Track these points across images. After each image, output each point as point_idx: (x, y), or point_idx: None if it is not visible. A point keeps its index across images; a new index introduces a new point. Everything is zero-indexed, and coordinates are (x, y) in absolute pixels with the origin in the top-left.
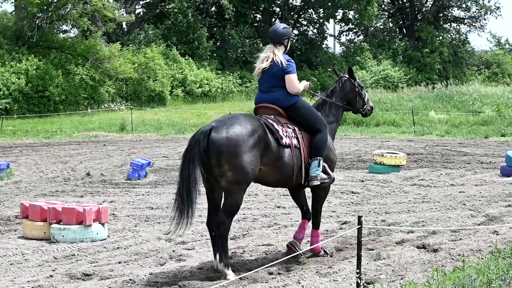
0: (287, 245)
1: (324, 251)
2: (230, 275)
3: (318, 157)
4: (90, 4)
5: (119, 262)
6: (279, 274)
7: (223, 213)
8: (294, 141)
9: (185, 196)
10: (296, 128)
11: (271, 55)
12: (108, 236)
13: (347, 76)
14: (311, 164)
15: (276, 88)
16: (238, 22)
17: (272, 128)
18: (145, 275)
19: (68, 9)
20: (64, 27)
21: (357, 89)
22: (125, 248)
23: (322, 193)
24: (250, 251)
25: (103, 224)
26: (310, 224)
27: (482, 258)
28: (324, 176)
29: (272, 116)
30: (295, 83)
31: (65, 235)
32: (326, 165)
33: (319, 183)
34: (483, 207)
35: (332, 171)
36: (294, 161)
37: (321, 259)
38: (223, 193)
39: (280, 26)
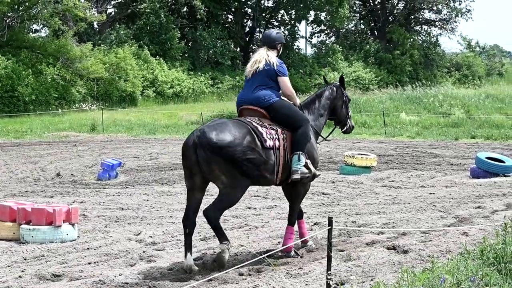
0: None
1: (295, 252)
2: (227, 251)
3: (299, 152)
4: (61, 4)
5: (89, 263)
6: (250, 275)
7: (213, 206)
8: (277, 142)
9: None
10: (279, 129)
11: (264, 56)
12: (78, 236)
13: (338, 84)
14: (292, 158)
15: (262, 87)
16: (210, 23)
17: (257, 131)
18: (115, 276)
19: (39, 9)
20: (35, 27)
21: (344, 99)
22: (95, 249)
23: (302, 190)
24: None
25: (73, 225)
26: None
27: (452, 259)
28: (305, 170)
29: (256, 118)
30: (288, 84)
31: (35, 236)
32: (308, 161)
33: (299, 177)
34: (453, 209)
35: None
36: (277, 161)
37: (291, 260)
38: (203, 194)
39: (273, 31)
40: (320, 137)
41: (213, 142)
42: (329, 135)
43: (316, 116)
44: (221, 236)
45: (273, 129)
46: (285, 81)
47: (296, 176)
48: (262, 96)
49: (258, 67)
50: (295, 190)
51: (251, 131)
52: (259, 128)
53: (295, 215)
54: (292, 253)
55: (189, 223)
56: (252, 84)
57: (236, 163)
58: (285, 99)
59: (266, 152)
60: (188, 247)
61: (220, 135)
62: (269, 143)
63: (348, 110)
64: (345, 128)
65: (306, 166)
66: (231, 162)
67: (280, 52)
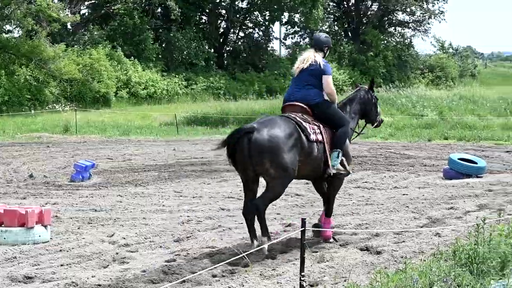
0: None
1: (334, 238)
2: (265, 244)
3: (338, 149)
4: (34, 4)
5: (62, 265)
6: (223, 276)
7: (262, 198)
8: (319, 137)
9: None
10: (320, 125)
11: (312, 56)
12: (50, 238)
13: (367, 88)
14: (331, 154)
15: (310, 86)
16: (184, 24)
17: (302, 127)
18: (87, 278)
19: (12, 9)
20: (8, 27)
21: (373, 101)
22: (67, 251)
23: (338, 184)
24: (194, 253)
25: (45, 227)
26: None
27: (425, 260)
28: (341, 167)
29: (300, 114)
30: (331, 83)
31: (7, 237)
32: (344, 159)
33: (335, 171)
34: (426, 210)
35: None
36: (319, 155)
37: (265, 261)
38: (258, 185)
39: (322, 35)
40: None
41: (263, 138)
42: (361, 130)
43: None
44: (264, 229)
45: (315, 125)
46: (328, 80)
47: (332, 171)
48: (310, 95)
49: (304, 66)
50: (332, 185)
51: (297, 126)
52: (304, 123)
53: (331, 207)
54: (331, 240)
55: (249, 214)
56: (299, 82)
57: (284, 157)
58: (327, 98)
59: (310, 146)
60: (252, 234)
61: (270, 131)
62: (313, 137)
63: (377, 109)
64: (375, 124)
65: (341, 163)
66: (279, 157)
67: (326, 55)
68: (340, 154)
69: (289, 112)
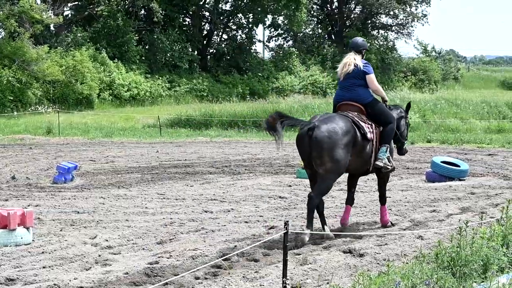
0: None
1: (391, 223)
2: (306, 235)
3: (386, 144)
4: (17, 6)
5: (44, 267)
6: (206, 279)
7: (316, 192)
8: (373, 136)
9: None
10: (373, 124)
11: (352, 60)
12: (32, 240)
13: (404, 109)
14: (380, 149)
15: (357, 86)
16: (167, 26)
17: (358, 125)
18: (70, 280)
19: None
20: None
21: (407, 121)
22: (50, 253)
23: (386, 177)
24: (177, 255)
25: (27, 228)
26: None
27: (407, 263)
28: (388, 162)
29: (356, 113)
30: (374, 81)
31: None
32: (390, 156)
33: (382, 165)
34: (408, 212)
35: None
36: (371, 152)
37: (248, 263)
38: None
39: (359, 39)
40: None
41: (324, 133)
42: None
43: None
44: (309, 221)
45: (369, 124)
46: (372, 78)
47: (380, 164)
48: (362, 95)
49: (348, 69)
50: (382, 178)
51: (354, 124)
52: (360, 122)
53: (384, 197)
54: (389, 224)
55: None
56: (346, 85)
57: (339, 152)
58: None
59: (365, 143)
60: (311, 221)
61: (329, 127)
62: (369, 135)
63: (407, 133)
64: (402, 149)
65: (388, 159)
66: (337, 151)
67: (363, 56)
68: (388, 149)
69: (344, 110)
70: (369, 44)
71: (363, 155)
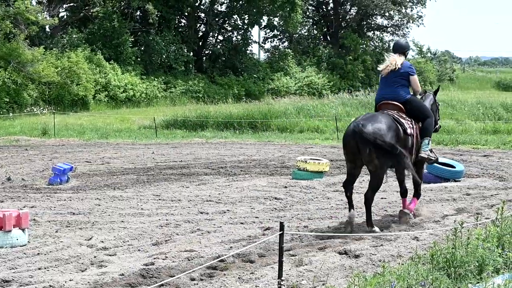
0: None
1: (414, 214)
2: (376, 229)
3: (427, 137)
4: (12, 7)
5: (39, 268)
6: (201, 280)
7: (370, 190)
8: (413, 131)
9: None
10: (412, 120)
11: (396, 60)
12: (28, 241)
13: (433, 93)
14: (422, 142)
15: (398, 85)
16: (163, 27)
17: (399, 122)
18: (65, 282)
19: None
20: None
21: (437, 105)
22: (45, 254)
23: (420, 170)
24: (173, 257)
25: (23, 230)
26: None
27: (403, 264)
28: (430, 153)
29: (396, 111)
30: (417, 82)
31: None
32: (432, 148)
33: (426, 156)
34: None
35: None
36: (412, 146)
37: (243, 264)
38: (360, 171)
39: (403, 40)
40: None
41: (369, 131)
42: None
43: None
44: (369, 216)
45: (409, 120)
46: (416, 79)
47: (424, 155)
48: (401, 93)
49: (391, 68)
50: (418, 171)
51: (395, 121)
52: (400, 119)
53: (419, 189)
54: (411, 214)
55: (349, 189)
56: (389, 83)
57: (386, 148)
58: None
59: (406, 138)
60: (350, 205)
61: (374, 125)
62: (410, 131)
63: (438, 114)
64: (435, 128)
65: (431, 150)
66: (382, 147)
67: (406, 57)
68: (430, 142)
69: (385, 109)
70: (364, 45)
71: (405, 149)
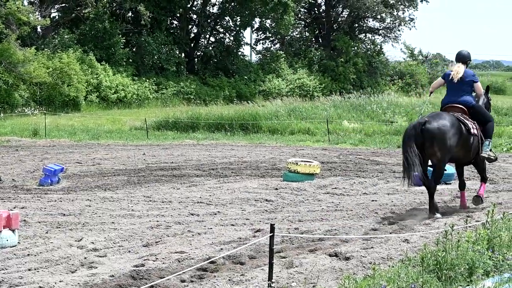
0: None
1: (482, 199)
2: (438, 215)
3: (488, 139)
4: (4, 7)
5: (29, 269)
6: (192, 281)
7: (433, 180)
8: (476, 131)
9: (406, 165)
10: (475, 122)
11: (462, 69)
12: (18, 242)
13: (484, 92)
14: (484, 142)
15: (466, 93)
16: (155, 28)
17: (463, 122)
18: (55, 283)
19: None
20: None
21: (490, 102)
22: (35, 255)
23: (484, 165)
24: (163, 258)
25: (13, 231)
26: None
27: (393, 266)
28: (491, 153)
29: (460, 113)
30: (481, 88)
31: None
32: (491, 148)
33: (486, 156)
34: (394, 216)
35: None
36: (473, 145)
37: (233, 266)
38: (429, 161)
39: (465, 51)
40: None
41: (435, 128)
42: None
43: None
44: (432, 206)
45: (472, 122)
46: (479, 86)
47: (485, 155)
48: (468, 100)
49: (459, 77)
50: (480, 166)
51: (459, 121)
52: (464, 120)
53: (485, 175)
54: (482, 199)
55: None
56: (457, 90)
57: (449, 143)
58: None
59: (469, 137)
60: (431, 204)
61: (440, 122)
62: (473, 131)
63: (490, 109)
64: None
65: (491, 150)
66: (446, 142)
67: (468, 66)
68: (490, 143)
69: (450, 111)
70: (356, 48)
71: (467, 147)
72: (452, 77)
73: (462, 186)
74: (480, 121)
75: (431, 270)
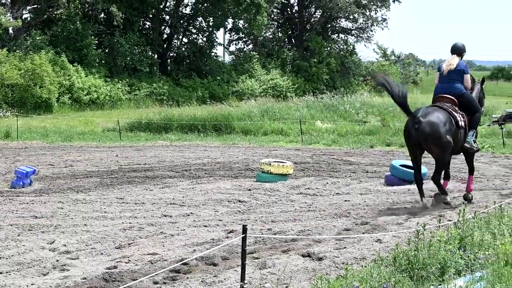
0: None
1: (471, 196)
2: (447, 198)
3: (473, 129)
4: None
5: (1, 273)
6: (164, 283)
7: (436, 173)
8: (463, 123)
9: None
10: (463, 113)
11: (456, 61)
12: None
13: (480, 83)
14: (468, 133)
15: (455, 81)
16: (127, 29)
17: (452, 115)
18: (27, 286)
19: None
20: None
21: (483, 92)
22: (7, 258)
23: (472, 157)
24: (136, 260)
25: None
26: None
27: (365, 266)
28: (473, 144)
29: (449, 104)
30: (469, 80)
31: None
32: (475, 140)
33: (469, 146)
34: (367, 216)
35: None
36: (461, 137)
37: (206, 267)
38: (421, 158)
39: (460, 43)
40: None
41: (428, 125)
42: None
43: None
44: (441, 190)
45: (460, 114)
46: (468, 78)
47: (467, 145)
48: (457, 88)
49: (451, 67)
50: (469, 157)
51: (449, 115)
52: (454, 113)
53: (473, 168)
54: (471, 195)
55: (419, 178)
56: (447, 79)
57: (443, 138)
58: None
59: (458, 130)
60: (421, 192)
61: (432, 119)
62: (461, 123)
63: (483, 101)
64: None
65: (474, 142)
66: (440, 138)
67: (462, 58)
68: (474, 134)
69: (441, 102)
70: (328, 48)
71: (457, 139)
72: (444, 68)
73: (446, 176)
74: (468, 111)
75: (403, 269)
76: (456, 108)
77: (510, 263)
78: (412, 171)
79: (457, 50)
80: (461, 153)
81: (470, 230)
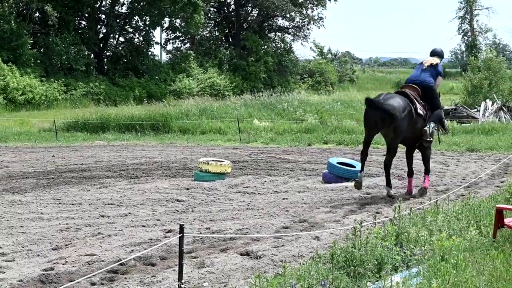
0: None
1: (426, 190)
2: (391, 191)
3: (432, 121)
4: None
5: None
6: (102, 284)
7: (388, 157)
8: (424, 113)
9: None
10: (425, 104)
11: (435, 60)
12: None
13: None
14: (428, 124)
15: (431, 75)
16: (62, 28)
17: (413, 102)
18: None
19: None
20: None
21: (439, 94)
22: None
23: (428, 153)
24: (73, 261)
25: None
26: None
27: (303, 264)
28: (430, 133)
29: (413, 93)
30: (439, 84)
31: None
32: (434, 132)
33: (427, 130)
34: (305, 213)
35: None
36: (421, 126)
37: (144, 268)
38: (371, 140)
39: (439, 48)
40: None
41: (386, 108)
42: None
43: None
44: (388, 182)
45: (422, 104)
46: (440, 80)
47: (426, 129)
48: (430, 81)
49: (428, 64)
50: (425, 153)
51: (410, 102)
52: (414, 100)
53: (428, 168)
54: (427, 191)
55: (364, 157)
56: (424, 70)
57: (400, 123)
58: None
59: (417, 118)
60: (362, 168)
61: (392, 104)
62: (421, 112)
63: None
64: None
65: (432, 133)
66: (397, 123)
67: (441, 61)
68: (434, 126)
69: (405, 89)
70: (266, 47)
71: (416, 127)
72: (425, 62)
73: (410, 174)
74: (430, 106)
75: (341, 266)
76: (418, 98)
77: (445, 258)
78: (350, 168)
79: (436, 54)
80: (419, 151)
81: (406, 226)
